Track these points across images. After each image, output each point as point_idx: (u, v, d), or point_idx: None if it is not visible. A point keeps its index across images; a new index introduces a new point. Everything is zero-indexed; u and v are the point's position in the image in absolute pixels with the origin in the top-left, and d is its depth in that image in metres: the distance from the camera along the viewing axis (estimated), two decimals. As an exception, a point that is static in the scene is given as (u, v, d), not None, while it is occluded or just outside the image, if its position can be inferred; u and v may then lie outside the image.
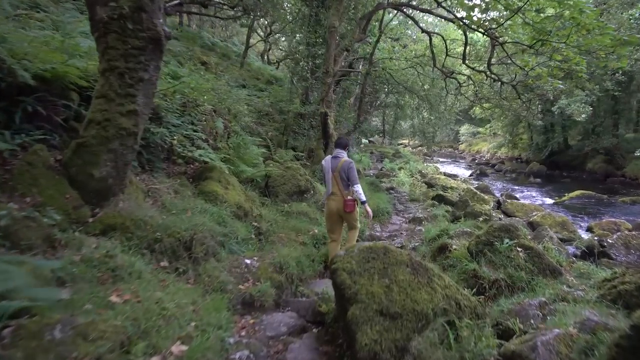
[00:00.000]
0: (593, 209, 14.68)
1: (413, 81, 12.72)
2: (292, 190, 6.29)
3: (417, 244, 6.67)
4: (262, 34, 26.45)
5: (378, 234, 7.41)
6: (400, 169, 19.71)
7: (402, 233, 7.71)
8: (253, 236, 4.67)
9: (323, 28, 9.85)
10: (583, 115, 18.95)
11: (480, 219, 8.15)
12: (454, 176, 22.56)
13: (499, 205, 12.08)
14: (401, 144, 45.92)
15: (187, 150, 4.86)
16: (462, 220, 8.92)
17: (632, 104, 24.20)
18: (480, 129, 45.93)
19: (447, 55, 9.59)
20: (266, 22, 23.68)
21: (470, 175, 24.47)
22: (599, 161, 24.58)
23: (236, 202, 4.81)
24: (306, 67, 10.78)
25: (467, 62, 8.67)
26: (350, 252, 2.95)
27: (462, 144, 49.50)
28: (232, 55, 19.69)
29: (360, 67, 14.28)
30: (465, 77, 10.62)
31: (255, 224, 4.91)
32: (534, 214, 10.86)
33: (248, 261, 3.89)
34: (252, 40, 33.37)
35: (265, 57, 28.20)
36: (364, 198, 4.90)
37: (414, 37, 13.93)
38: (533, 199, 17.26)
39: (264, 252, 4.24)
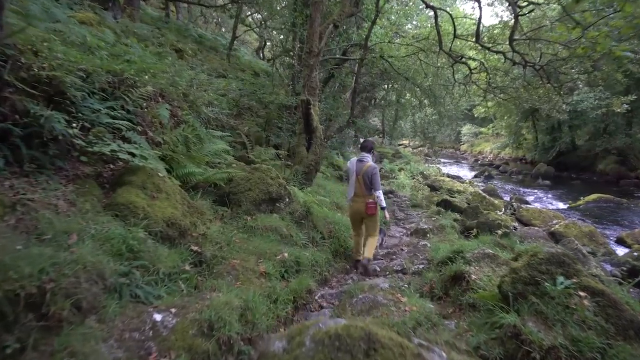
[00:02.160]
0: (614, 215, 13.24)
1: (415, 71, 11.28)
2: (260, 198, 4.84)
3: (421, 265, 5.24)
4: (257, 30, 25.22)
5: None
6: (400, 170, 18.34)
7: (402, 249, 6.26)
8: (188, 267, 3.23)
9: (310, 8, 8.42)
10: (598, 112, 17.50)
11: (499, 232, 6.70)
12: (457, 178, 21.19)
13: (512, 211, 10.63)
14: (401, 144, 44.87)
15: (99, 145, 3.41)
16: (476, 233, 7.49)
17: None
18: (482, 129, 44.71)
19: (454, 37, 8.17)
20: (260, 17, 22.42)
21: (475, 177, 23.07)
22: (610, 162, 23.19)
23: (167, 217, 3.36)
24: (292, 53, 9.36)
25: (480, 41, 7.23)
26: (298, 347, 1.49)
27: (463, 144, 48.08)
28: (220, 49, 18.46)
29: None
30: (477, 62, 9.16)
31: (195, 248, 3.47)
32: (554, 222, 9.41)
33: (159, 316, 2.44)
34: (247, 37, 32.15)
35: (261, 54, 26.93)
36: (384, 204, 5.19)
37: (416, 21, 12.45)
38: (545, 202, 15.85)
39: (194, 297, 2.79)
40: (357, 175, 5.10)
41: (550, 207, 14.81)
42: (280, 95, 9.23)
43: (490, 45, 7.94)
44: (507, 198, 15.97)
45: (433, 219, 7.97)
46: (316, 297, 4.12)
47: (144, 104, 4.70)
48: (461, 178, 21.49)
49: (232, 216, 4.60)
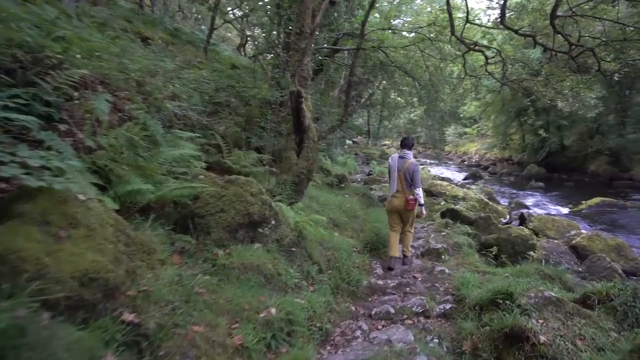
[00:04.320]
0: (620, 220, 12.36)
1: (415, 63, 10.10)
2: (236, 223, 3.56)
3: (447, 306, 4.04)
4: (238, 26, 23.91)
5: (381, 282, 4.74)
6: (390, 173, 17.20)
7: (415, 278, 5.06)
8: (112, 359, 1.95)
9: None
10: (595, 112, 16.69)
11: (533, 254, 5.58)
12: (447, 180, 20.25)
13: (522, 219, 9.57)
14: (385, 144, 44.31)
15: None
16: (497, 252, 6.37)
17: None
18: (467, 129, 44.30)
19: (467, 21, 7.03)
20: (241, 13, 21.10)
21: (465, 179, 22.15)
22: (602, 163, 22.63)
23: (81, 270, 2.08)
24: (277, 42, 8.13)
25: (505, 23, 6.09)
26: None
27: (448, 144, 47.51)
28: (198, 43, 17.15)
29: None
30: (492, 51, 8.00)
31: (130, 317, 2.19)
32: (572, 233, 8.38)
33: None
34: (228, 34, 30.73)
35: (242, 51, 25.60)
36: (422, 201, 5.35)
37: (416, 7, 11.27)
38: (545, 207, 14.95)
39: None
40: (398, 172, 5.25)
41: (552, 212, 13.93)
42: (263, 89, 7.94)
43: (518, 28, 6.78)
44: (504, 202, 15.05)
45: (443, 233, 6.81)
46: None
47: (75, 94, 3.39)
48: (451, 180, 20.55)
49: (196, 250, 3.32)
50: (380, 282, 4.72)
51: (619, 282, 3.28)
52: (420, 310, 3.94)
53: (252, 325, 2.66)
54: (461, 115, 35.97)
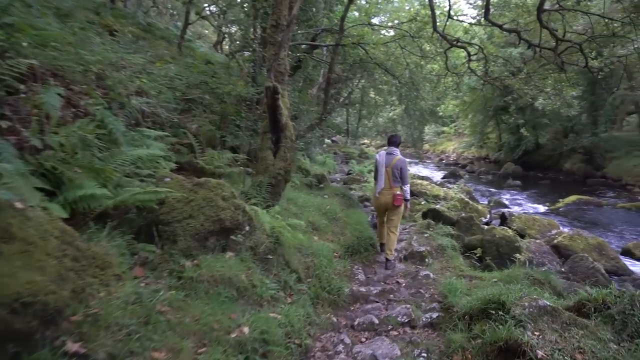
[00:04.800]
0: (596, 218, 12.51)
1: (395, 60, 9.88)
2: (206, 230, 3.24)
3: (434, 314, 3.82)
4: (215, 22, 23.31)
5: (363, 289, 4.49)
6: (370, 172, 17.07)
7: (399, 283, 4.83)
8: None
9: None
10: (576, 110, 16.87)
11: (519, 257, 5.42)
12: (426, 178, 20.25)
13: (503, 219, 9.50)
14: (363, 143, 44.41)
15: None
16: (481, 253, 6.21)
17: (612, 101, 22.67)
18: (444, 128, 44.72)
19: (449, 17, 6.85)
20: (217, 10, 20.55)
21: (444, 178, 22.20)
22: (577, 161, 23.06)
23: (14, 293, 1.74)
24: (254, 35, 7.79)
25: (490, 18, 5.90)
26: None
27: (426, 143, 47.83)
28: (172, 39, 16.60)
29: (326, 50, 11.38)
30: (475, 47, 7.84)
31: (75, 347, 1.86)
32: (553, 232, 8.33)
33: None
34: (205, 31, 30.03)
35: (219, 49, 25.00)
36: (409, 197, 5.42)
37: (396, 3, 11.04)
38: (522, 205, 15.05)
39: None
40: (386, 168, 5.28)
41: (530, 210, 14.01)
42: (239, 86, 7.59)
43: (502, 24, 6.61)
44: (483, 201, 15.07)
45: (425, 235, 6.62)
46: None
47: (21, 87, 3.02)
48: (430, 179, 20.56)
49: (161, 261, 2.98)
50: (363, 289, 4.46)
51: (615, 289, 3.10)
52: (406, 320, 3.70)
53: (222, 347, 2.36)
54: (440, 114, 36.25)
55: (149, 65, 6.47)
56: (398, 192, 5.22)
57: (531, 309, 2.95)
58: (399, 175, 5.23)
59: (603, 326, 2.89)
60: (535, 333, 2.76)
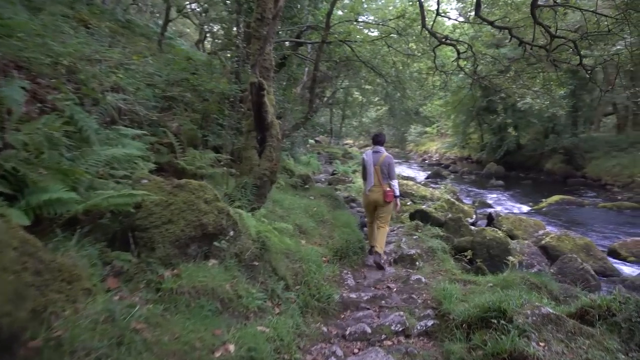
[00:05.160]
0: (579, 218, 12.61)
1: (382, 58, 9.71)
2: (187, 236, 2.99)
3: (429, 322, 3.64)
4: (196, 20, 22.83)
5: (354, 295, 4.29)
6: (354, 172, 16.94)
7: (390, 288, 4.65)
8: None
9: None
10: (552, 111, 17.08)
11: (512, 259, 5.31)
12: (410, 178, 20.24)
13: (490, 219, 9.44)
14: (346, 144, 44.46)
15: None
16: (471, 255, 6.08)
17: (590, 102, 23.08)
18: (427, 129, 45.01)
19: (437, 14, 6.72)
20: (199, 9, 20.12)
21: (428, 178, 22.23)
22: (557, 161, 23.38)
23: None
24: (237, 31, 7.54)
25: (481, 14, 5.76)
26: None
27: (409, 143, 48.12)
28: (153, 37, 16.17)
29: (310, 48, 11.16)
30: (464, 45, 7.72)
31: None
32: (540, 233, 8.29)
33: None
34: (186, 29, 29.47)
35: (200, 47, 24.52)
36: (398, 193, 5.53)
37: (382, 1, 10.87)
38: (506, 205, 15.11)
39: None
40: (374, 166, 5.37)
41: (514, 210, 14.07)
42: (221, 83, 7.32)
43: (493, 20, 6.48)
44: (467, 201, 15.07)
45: (414, 237, 6.46)
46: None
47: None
48: (414, 179, 20.57)
49: (137, 270, 2.72)
50: (353, 295, 4.26)
51: (619, 294, 2.97)
52: (400, 329, 3.52)
53: (203, 369, 2.12)
54: (423, 115, 36.51)
55: (127, 61, 6.14)
56: (388, 189, 5.32)
57: (534, 318, 2.80)
58: (387, 172, 5.36)
59: (609, 335, 2.75)
60: (540, 344, 2.60)
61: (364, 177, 5.67)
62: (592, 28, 5.43)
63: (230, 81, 7.58)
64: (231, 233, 3.31)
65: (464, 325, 3.21)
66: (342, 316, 3.94)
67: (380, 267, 5.23)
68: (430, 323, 3.59)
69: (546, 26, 5.26)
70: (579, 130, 22.99)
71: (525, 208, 14.31)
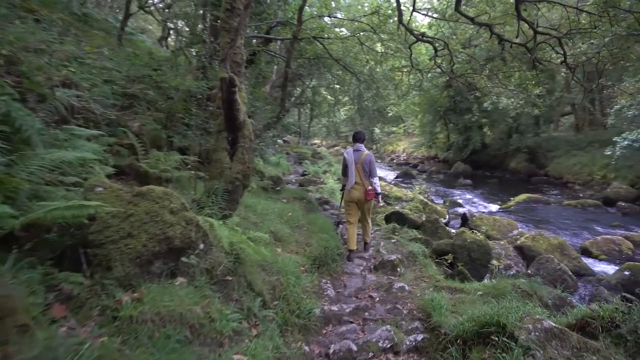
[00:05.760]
0: (547, 216, 12.83)
1: (354, 56, 9.45)
2: (150, 252, 2.60)
3: (419, 336, 3.39)
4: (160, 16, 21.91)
5: (335, 308, 3.98)
6: (325, 172, 16.68)
7: (372, 298, 4.38)
8: None
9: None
10: (517, 111, 17.42)
11: (497, 263, 5.16)
12: (381, 179, 20.15)
13: (464, 220, 9.38)
14: (314, 143, 44.32)
15: None
16: (451, 259, 5.91)
17: (549, 102, 23.78)
18: (394, 128, 45.42)
19: (413, 10, 6.52)
20: (161, 4, 19.28)
21: (397, 178, 22.29)
22: (521, 160, 24.02)
23: None
24: (203, 25, 7.10)
25: (461, 10, 5.58)
26: None
27: (376, 143, 48.45)
28: (111, 30, 15.30)
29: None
30: (442, 43, 7.54)
31: None
32: (514, 233, 8.28)
33: None
34: (149, 26, 28.31)
35: (164, 44, 23.57)
36: (380, 190, 5.67)
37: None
38: (475, 204, 15.25)
39: None
40: (356, 164, 5.44)
41: (484, 209, 14.20)
42: (187, 80, 6.85)
43: (473, 16, 6.34)
44: (438, 201, 15.10)
45: (393, 240, 6.24)
46: None
47: None
48: (383, 178, 20.54)
49: (90, 295, 2.31)
50: (335, 307, 3.96)
51: (620, 303, 2.80)
52: (388, 345, 3.24)
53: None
54: (390, 115, 36.79)
55: (81, 53, 5.60)
56: (369, 187, 5.43)
57: (537, 333, 2.58)
58: (368, 170, 5.46)
59: (615, 348, 2.57)
60: (547, 364, 2.38)
61: (344, 174, 5.72)
62: (571, 26, 5.38)
63: (197, 78, 7.11)
64: (201, 246, 2.93)
65: (458, 340, 2.96)
66: (324, 331, 3.63)
67: (366, 249, 5.80)
68: (420, 337, 3.33)
69: (530, 22, 5.16)
70: (541, 130, 23.66)
71: (494, 207, 14.47)
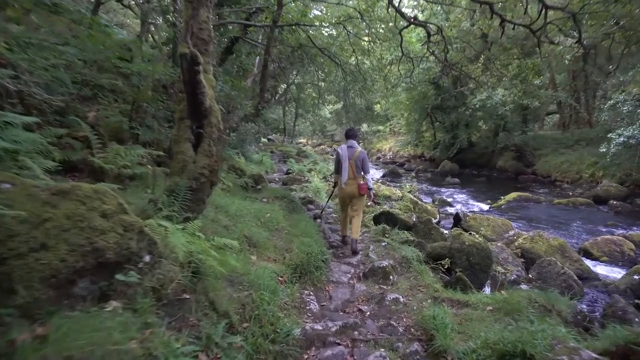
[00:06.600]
0: (538, 215, 12.41)
1: (340, 46, 8.84)
2: (70, 269, 1.96)
3: (419, 362, 2.79)
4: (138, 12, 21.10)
5: (319, 327, 3.36)
6: (310, 171, 16.06)
7: (362, 312, 3.79)
8: None
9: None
10: (505, 109, 17.07)
11: (501, 270, 4.60)
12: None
13: (457, 220, 8.86)
14: (300, 142, 43.79)
15: None
16: (449, 265, 5.35)
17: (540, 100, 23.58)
18: (380, 127, 45.13)
19: (404, -10, 5.99)
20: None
21: (384, 176, 21.82)
22: (508, 158, 23.78)
23: None
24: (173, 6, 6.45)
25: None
26: None
27: (362, 141, 48.07)
28: (85, 22, 14.44)
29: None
30: (435, 27, 6.98)
31: None
32: (510, 233, 7.78)
33: None
34: (128, 21, 27.31)
35: (143, 39, 22.69)
36: (372, 185, 5.83)
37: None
38: (465, 203, 14.81)
39: None
40: (349, 160, 5.58)
41: (474, 208, 13.76)
42: (156, 67, 6.17)
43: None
44: (427, 200, 14.63)
45: (383, 243, 5.66)
46: None
47: None
48: (371, 177, 20.02)
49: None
50: (318, 326, 3.34)
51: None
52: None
53: None
54: (377, 113, 36.46)
55: (34, 37, 4.88)
56: (362, 182, 5.60)
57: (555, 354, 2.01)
58: (361, 166, 5.65)
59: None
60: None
61: (337, 171, 5.86)
62: (583, 2, 4.92)
63: (166, 65, 6.44)
64: (146, 258, 2.29)
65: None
66: (306, 357, 3.01)
67: (355, 252, 5.47)
68: (420, 364, 2.75)
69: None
70: (528, 128, 23.46)
71: (485, 206, 14.04)
